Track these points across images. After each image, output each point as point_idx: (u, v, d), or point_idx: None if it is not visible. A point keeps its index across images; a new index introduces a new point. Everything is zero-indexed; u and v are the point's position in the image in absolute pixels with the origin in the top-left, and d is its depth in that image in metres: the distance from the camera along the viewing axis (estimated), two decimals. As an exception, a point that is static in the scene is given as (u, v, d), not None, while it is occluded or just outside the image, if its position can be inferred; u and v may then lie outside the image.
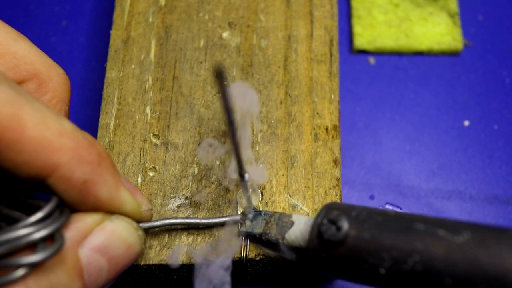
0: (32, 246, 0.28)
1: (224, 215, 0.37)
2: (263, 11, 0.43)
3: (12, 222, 0.29)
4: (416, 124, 0.47)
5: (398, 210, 0.43)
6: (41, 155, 0.29)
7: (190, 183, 0.38)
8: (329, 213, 0.32)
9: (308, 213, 0.37)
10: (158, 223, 0.35)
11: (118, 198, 0.32)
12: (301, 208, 0.37)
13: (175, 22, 0.43)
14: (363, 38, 0.49)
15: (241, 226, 0.36)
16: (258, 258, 0.36)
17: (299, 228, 0.34)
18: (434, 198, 0.44)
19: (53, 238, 0.29)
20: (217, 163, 0.38)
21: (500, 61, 0.50)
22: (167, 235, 0.36)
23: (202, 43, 0.42)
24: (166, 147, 0.39)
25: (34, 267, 0.28)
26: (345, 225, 0.31)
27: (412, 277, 0.29)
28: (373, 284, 0.31)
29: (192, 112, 0.40)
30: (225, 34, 0.43)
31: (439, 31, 0.50)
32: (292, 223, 0.34)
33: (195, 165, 0.38)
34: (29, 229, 0.28)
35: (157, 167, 0.38)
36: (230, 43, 0.42)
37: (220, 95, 0.26)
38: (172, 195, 0.37)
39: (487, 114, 0.47)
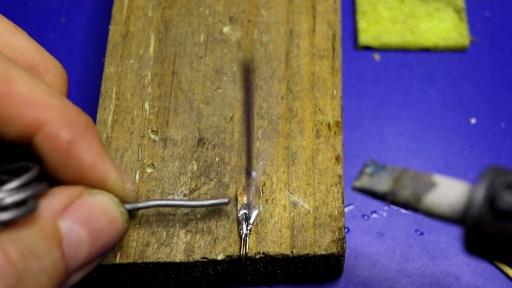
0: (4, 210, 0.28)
1: (211, 198, 0.36)
2: (264, 6, 0.43)
3: None
4: (421, 122, 0.46)
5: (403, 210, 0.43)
6: (29, 111, 0.29)
7: (189, 180, 0.37)
8: (503, 177, 0.25)
9: (309, 211, 0.36)
10: (142, 204, 0.34)
11: (103, 167, 0.32)
12: (302, 206, 0.36)
13: (174, 17, 0.42)
14: (367, 34, 0.49)
15: (356, 180, 0.30)
16: (257, 256, 0.35)
17: (445, 193, 0.27)
18: (440, 197, 0.43)
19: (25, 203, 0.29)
20: (217, 159, 0.38)
21: (507, 57, 0.49)
22: (164, 233, 0.35)
23: (202, 38, 0.42)
24: (165, 143, 0.38)
25: (4, 226, 0.27)
26: None
27: None
28: None
29: (192, 108, 0.39)
30: (225, 29, 0.42)
31: (445, 27, 0.49)
32: (433, 185, 0.27)
33: (194, 162, 0.38)
34: (3, 194, 0.28)
35: (155, 164, 0.37)
36: (231, 38, 0.42)
37: (244, 90, 0.26)
38: (170, 192, 0.37)
39: (494, 111, 0.46)
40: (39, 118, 0.29)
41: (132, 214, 0.35)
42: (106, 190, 0.32)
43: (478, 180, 0.25)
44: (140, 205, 0.34)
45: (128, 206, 0.33)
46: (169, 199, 0.35)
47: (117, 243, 0.33)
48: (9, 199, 0.28)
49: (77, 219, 0.30)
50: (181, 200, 0.35)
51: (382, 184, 0.29)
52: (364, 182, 0.29)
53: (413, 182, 0.28)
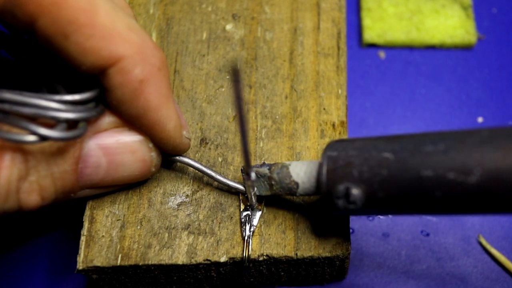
0: (53, 121, 0.29)
1: (236, 181, 0.36)
2: (268, 3, 0.42)
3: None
4: (428, 120, 0.46)
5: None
6: (109, 43, 0.29)
7: (191, 180, 0.36)
8: (334, 187, 0.31)
9: (313, 212, 0.35)
10: (177, 157, 0.35)
11: (166, 111, 0.32)
12: (306, 207, 0.36)
13: (177, 14, 0.42)
14: (373, 32, 0.48)
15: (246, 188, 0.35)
16: (261, 258, 0.34)
17: (306, 187, 0.33)
18: (446, 197, 0.43)
19: (76, 126, 0.29)
20: (220, 159, 0.37)
21: (515, 55, 0.48)
22: (167, 234, 0.35)
23: (204, 35, 0.41)
24: (167, 143, 0.38)
25: (43, 141, 0.28)
26: (356, 197, 0.30)
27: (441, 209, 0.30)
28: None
29: (194, 107, 0.39)
30: (228, 26, 0.41)
31: (451, 24, 0.48)
32: (297, 184, 0.33)
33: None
34: (61, 105, 0.29)
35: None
36: (234, 36, 0.41)
37: (233, 90, 0.26)
38: (172, 192, 0.36)
39: (502, 110, 0.46)
40: (116, 52, 0.29)
41: (168, 163, 0.37)
42: (164, 134, 0.33)
43: (320, 163, 0.32)
44: (175, 157, 0.35)
45: (165, 156, 0.35)
46: (202, 164, 0.36)
47: (140, 180, 0.35)
48: (64, 115, 0.28)
49: (101, 146, 0.32)
50: (211, 170, 0.36)
51: (265, 189, 0.34)
52: (254, 189, 0.34)
53: (282, 187, 0.34)
